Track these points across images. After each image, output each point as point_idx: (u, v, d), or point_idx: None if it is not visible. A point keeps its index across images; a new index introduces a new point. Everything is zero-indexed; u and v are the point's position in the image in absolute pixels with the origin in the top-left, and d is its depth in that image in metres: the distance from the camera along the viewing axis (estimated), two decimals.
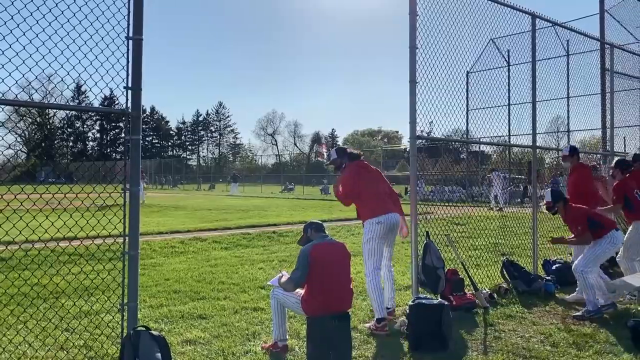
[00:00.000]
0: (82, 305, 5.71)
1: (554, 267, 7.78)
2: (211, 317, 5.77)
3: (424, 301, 5.05)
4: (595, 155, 11.93)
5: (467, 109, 8.85)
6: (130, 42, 3.98)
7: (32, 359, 4.38)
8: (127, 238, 4.04)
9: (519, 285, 7.13)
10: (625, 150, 12.55)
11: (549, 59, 9.72)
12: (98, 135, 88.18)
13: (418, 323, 4.86)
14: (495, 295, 6.70)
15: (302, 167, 76.54)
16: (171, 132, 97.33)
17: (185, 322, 5.56)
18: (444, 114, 6.47)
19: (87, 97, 70.80)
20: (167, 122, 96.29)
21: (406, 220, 5.91)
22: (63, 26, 3.72)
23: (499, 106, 8.38)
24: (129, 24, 3.98)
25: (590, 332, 5.40)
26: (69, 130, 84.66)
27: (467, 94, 8.56)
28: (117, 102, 69.74)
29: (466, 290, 6.48)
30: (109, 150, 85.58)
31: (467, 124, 9.21)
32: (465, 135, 9.98)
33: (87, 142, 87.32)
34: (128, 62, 3.97)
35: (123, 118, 4.10)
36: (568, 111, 12.18)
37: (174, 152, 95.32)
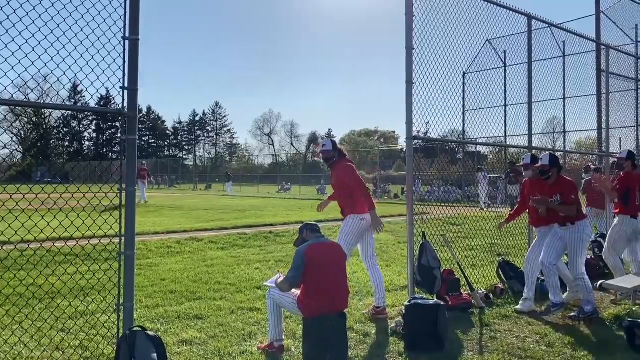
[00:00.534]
0: (78, 305, 5.69)
1: None
2: (207, 317, 5.77)
3: (420, 301, 5.06)
4: (590, 156, 11.98)
5: (464, 109, 8.88)
6: (127, 42, 3.98)
7: None
8: (123, 238, 4.04)
9: (514, 286, 7.16)
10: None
11: (545, 59, 9.77)
12: (94, 135, 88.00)
13: (414, 323, 4.87)
14: (491, 296, 6.72)
15: (298, 167, 76.56)
16: (167, 131, 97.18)
17: (182, 323, 5.55)
18: (440, 115, 6.49)
19: (84, 96, 70.75)
20: (164, 121, 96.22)
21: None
22: (59, 26, 3.71)
23: (495, 107, 8.42)
24: (125, 24, 3.98)
25: (585, 332, 5.42)
26: (65, 130, 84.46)
27: (464, 95, 8.58)
28: (113, 102, 69.72)
29: (462, 291, 6.49)
30: (105, 150, 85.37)
31: (464, 124, 9.24)
32: (461, 136, 10.00)
33: (83, 142, 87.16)
34: (124, 62, 3.97)
35: (119, 118, 4.10)
36: (564, 112, 12.24)
37: (171, 152, 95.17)
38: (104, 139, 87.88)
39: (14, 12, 3.47)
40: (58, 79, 3.92)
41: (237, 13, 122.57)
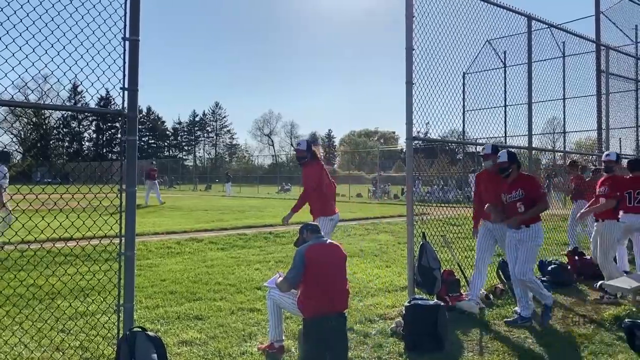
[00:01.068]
0: (78, 306, 5.69)
1: (549, 267, 7.80)
2: (207, 317, 5.77)
3: (420, 302, 5.06)
4: (590, 157, 11.98)
5: (464, 110, 8.88)
6: (127, 42, 3.98)
7: None
8: (123, 239, 4.04)
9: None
10: (620, 152, 12.61)
11: (544, 60, 9.77)
12: (94, 135, 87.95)
13: (414, 324, 4.87)
14: (491, 296, 6.72)
15: (298, 167, 76.48)
16: (167, 132, 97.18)
17: (182, 323, 5.55)
18: (440, 115, 6.50)
19: (83, 97, 70.69)
20: (164, 122, 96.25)
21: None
22: (60, 27, 3.72)
23: (495, 107, 8.42)
24: (125, 25, 3.98)
25: (585, 332, 5.42)
26: (64, 130, 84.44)
27: (464, 95, 8.59)
28: (113, 102, 69.78)
29: (462, 291, 6.50)
30: (105, 151, 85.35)
31: (464, 125, 9.23)
32: (461, 137, 10.00)
33: (83, 143, 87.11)
34: (124, 62, 3.98)
35: (119, 118, 4.10)
36: (564, 112, 12.23)
37: (170, 153, 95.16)
38: (104, 139, 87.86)
39: (14, 12, 3.48)
40: (58, 80, 3.92)
41: (237, 13, 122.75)
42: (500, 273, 7.62)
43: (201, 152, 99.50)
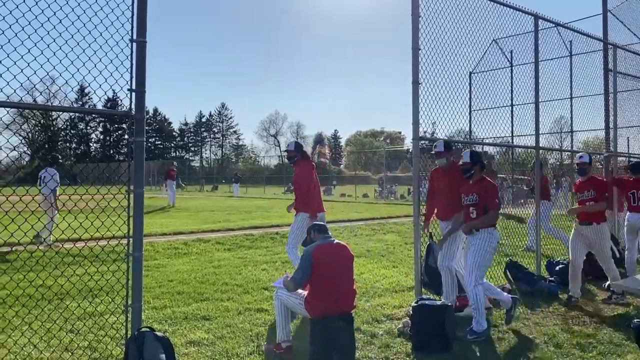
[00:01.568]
0: (87, 306, 5.73)
1: (557, 267, 7.78)
2: (215, 318, 5.79)
3: (427, 302, 5.06)
4: (598, 156, 11.90)
5: (470, 109, 8.86)
6: (134, 44, 4.00)
7: None
8: (131, 239, 4.06)
9: (522, 286, 7.14)
10: (629, 151, 12.54)
11: (551, 59, 9.73)
12: (101, 136, 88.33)
13: (421, 324, 4.87)
14: None
15: None
16: (174, 133, 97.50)
17: (189, 323, 5.57)
18: (447, 115, 6.49)
19: (91, 98, 70.96)
20: (170, 123, 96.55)
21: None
22: (67, 29, 3.74)
23: (502, 107, 8.38)
24: (132, 27, 4.01)
25: (594, 333, 5.39)
26: (72, 132, 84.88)
27: (470, 95, 8.56)
28: (120, 103, 70.04)
29: None
30: (112, 152, 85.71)
31: (470, 124, 9.21)
32: (468, 136, 9.97)
33: (90, 144, 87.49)
34: (132, 64, 4.00)
35: (127, 120, 4.12)
36: (571, 112, 12.15)
37: (177, 154, 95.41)
38: (111, 140, 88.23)
39: (23, 15, 3.50)
40: (66, 82, 3.93)
41: (240, 13, 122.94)
42: (508, 273, 7.59)
43: (208, 153, 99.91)
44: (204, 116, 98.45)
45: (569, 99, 11.79)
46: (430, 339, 4.80)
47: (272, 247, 11.00)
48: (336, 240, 4.66)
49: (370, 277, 7.95)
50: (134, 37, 4.01)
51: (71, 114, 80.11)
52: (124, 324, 4.19)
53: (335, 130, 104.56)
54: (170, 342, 3.87)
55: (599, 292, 7.20)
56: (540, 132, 7.98)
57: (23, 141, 76.45)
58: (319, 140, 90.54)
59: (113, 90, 4.18)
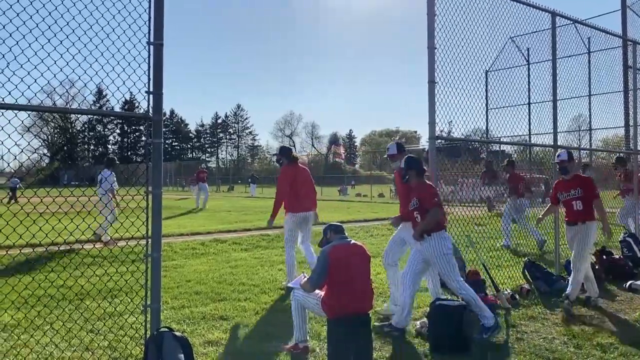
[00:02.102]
0: (106, 307, 5.80)
1: None
2: (232, 318, 5.82)
3: (444, 302, 5.03)
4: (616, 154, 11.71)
5: (487, 108, 8.79)
6: (152, 47, 4.04)
7: None
8: (149, 240, 4.10)
9: (540, 286, 7.06)
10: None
11: (569, 56, 9.60)
12: (119, 138, 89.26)
13: (439, 324, 4.84)
14: (517, 296, 6.63)
15: (320, 168, 76.60)
16: (190, 134, 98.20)
17: (207, 323, 5.61)
18: (463, 114, 6.45)
19: (108, 101, 71.66)
20: (187, 124, 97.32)
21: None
22: (86, 32, 3.80)
23: (519, 105, 8.30)
24: (149, 30, 4.04)
25: (615, 333, 5.31)
26: (90, 134, 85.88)
27: (487, 93, 8.50)
28: (137, 105, 70.57)
29: (487, 291, 6.43)
30: (129, 153, 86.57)
31: (487, 123, 9.14)
32: (485, 135, 9.90)
33: (108, 146, 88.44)
34: (149, 66, 4.04)
35: (144, 121, 4.16)
36: (590, 109, 12.01)
37: (194, 155, 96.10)
38: (129, 142, 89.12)
39: (43, 20, 3.56)
40: (85, 85, 3.98)
41: (259, 13, 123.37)
42: (526, 273, 7.52)
43: (224, 154, 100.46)
44: (219, 117, 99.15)
45: (587, 97, 11.65)
46: (448, 339, 4.77)
47: None
48: (353, 241, 4.65)
49: (386, 278, 7.91)
50: (151, 39, 4.04)
51: (89, 116, 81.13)
52: (143, 324, 4.23)
53: (350, 130, 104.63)
54: (188, 342, 3.91)
55: (620, 292, 7.10)
56: (558, 131, 7.89)
57: (43, 143, 77.68)
58: (333, 140, 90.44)
59: (130, 92, 4.23)
